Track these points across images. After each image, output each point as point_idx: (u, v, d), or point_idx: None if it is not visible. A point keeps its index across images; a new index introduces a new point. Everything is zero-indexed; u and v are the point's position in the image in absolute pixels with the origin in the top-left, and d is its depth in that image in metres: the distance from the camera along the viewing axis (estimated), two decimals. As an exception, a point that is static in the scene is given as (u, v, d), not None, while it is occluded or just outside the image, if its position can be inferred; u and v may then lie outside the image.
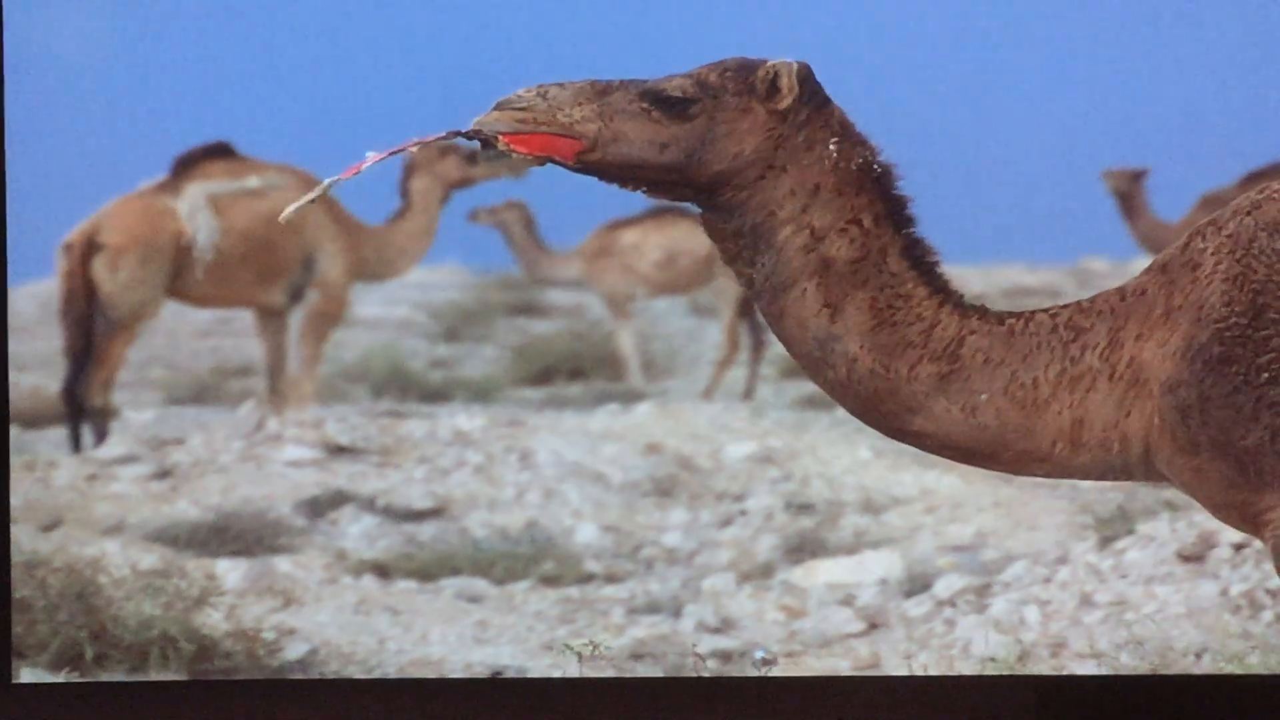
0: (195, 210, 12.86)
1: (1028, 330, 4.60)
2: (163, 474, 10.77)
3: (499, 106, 4.63)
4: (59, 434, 12.66)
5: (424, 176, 13.87)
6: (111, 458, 10.94)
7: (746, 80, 4.63)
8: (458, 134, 4.63)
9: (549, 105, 4.61)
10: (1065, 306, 4.63)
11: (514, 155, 4.61)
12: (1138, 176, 15.90)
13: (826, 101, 4.65)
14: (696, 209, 4.71)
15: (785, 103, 4.61)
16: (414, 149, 4.61)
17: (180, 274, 12.85)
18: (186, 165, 13.05)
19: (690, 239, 16.98)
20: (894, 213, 4.64)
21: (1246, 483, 4.47)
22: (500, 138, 4.60)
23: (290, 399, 13.06)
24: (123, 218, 12.73)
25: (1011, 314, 4.64)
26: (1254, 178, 15.04)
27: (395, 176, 14.14)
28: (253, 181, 13.09)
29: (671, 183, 4.64)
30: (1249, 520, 4.53)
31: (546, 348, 18.30)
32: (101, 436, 12.35)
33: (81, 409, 12.53)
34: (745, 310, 16.85)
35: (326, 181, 4.68)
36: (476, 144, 4.64)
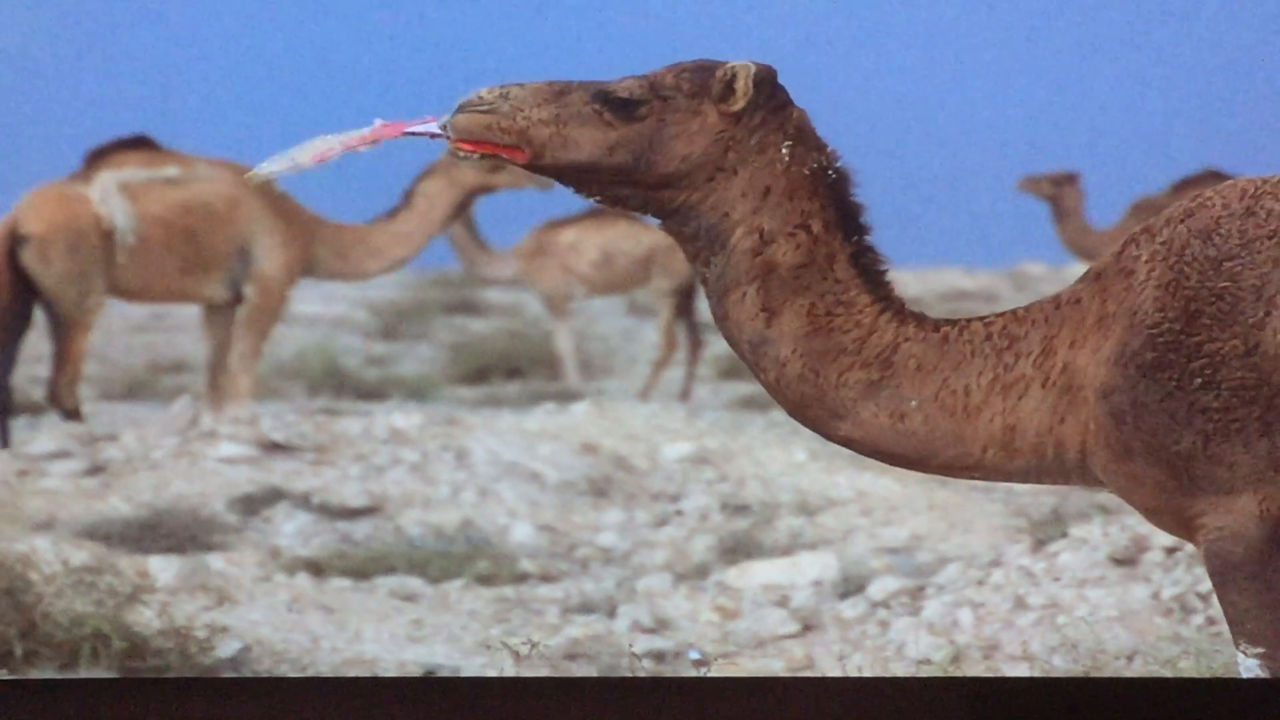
0: (107, 195, 12.76)
1: (962, 338, 4.61)
2: (95, 470, 10.69)
3: (462, 108, 4.61)
4: (-9, 429, 12.55)
5: (438, 180, 13.40)
6: (43, 453, 10.85)
7: (702, 82, 4.61)
8: (413, 133, 4.61)
9: (511, 107, 4.60)
10: (1000, 315, 4.64)
11: (461, 155, 4.60)
12: (1064, 181, 15.95)
13: (785, 105, 4.63)
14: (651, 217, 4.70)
15: (738, 105, 4.60)
16: (366, 146, 4.58)
17: (108, 262, 12.74)
18: (99, 156, 12.98)
19: (627, 239, 16.98)
20: (846, 219, 4.63)
21: (1179, 487, 4.49)
22: (451, 140, 4.59)
23: (227, 395, 12.99)
24: (40, 207, 12.66)
25: (949, 322, 4.65)
26: (1185, 185, 15.18)
27: (408, 174, 13.65)
28: (170, 170, 12.96)
29: (622, 187, 4.62)
30: (1182, 524, 4.55)
31: (483, 346, 18.29)
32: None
33: (8, 403, 12.45)
34: (682, 310, 16.86)
35: (298, 153, 4.62)
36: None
